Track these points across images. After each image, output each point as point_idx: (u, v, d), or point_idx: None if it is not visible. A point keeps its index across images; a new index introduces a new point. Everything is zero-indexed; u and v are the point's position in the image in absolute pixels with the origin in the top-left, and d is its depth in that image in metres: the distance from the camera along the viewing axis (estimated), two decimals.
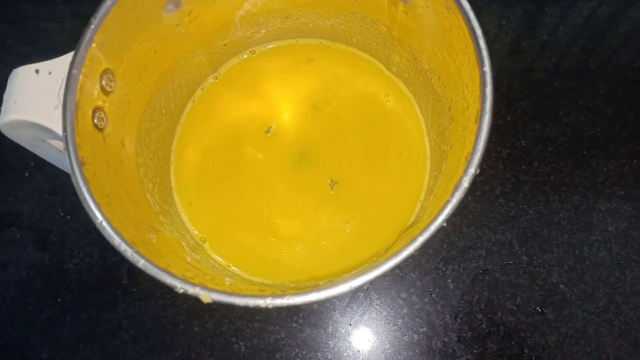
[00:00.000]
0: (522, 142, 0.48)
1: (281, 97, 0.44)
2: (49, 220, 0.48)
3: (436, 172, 0.37)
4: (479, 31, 0.27)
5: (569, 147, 0.48)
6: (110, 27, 0.30)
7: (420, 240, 0.25)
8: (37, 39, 0.55)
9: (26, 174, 0.50)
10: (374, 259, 0.36)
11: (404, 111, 0.42)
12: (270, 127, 0.43)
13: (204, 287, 0.25)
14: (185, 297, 0.45)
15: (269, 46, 0.44)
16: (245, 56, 0.44)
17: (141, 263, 0.26)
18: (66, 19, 0.56)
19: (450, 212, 0.25)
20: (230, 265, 0.39)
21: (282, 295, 0.24)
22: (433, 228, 0.25)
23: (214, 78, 0.44)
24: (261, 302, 0.24)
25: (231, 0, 0.38)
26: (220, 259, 0.39)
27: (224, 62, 0.44)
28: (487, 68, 0.27)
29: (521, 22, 0.52)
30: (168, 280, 0.25)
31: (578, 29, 0.52)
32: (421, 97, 0.40)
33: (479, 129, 0.26)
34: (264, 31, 0.43)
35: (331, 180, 0.41)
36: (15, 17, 0.56)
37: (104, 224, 0.26)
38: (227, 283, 0.30)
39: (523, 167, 0.47)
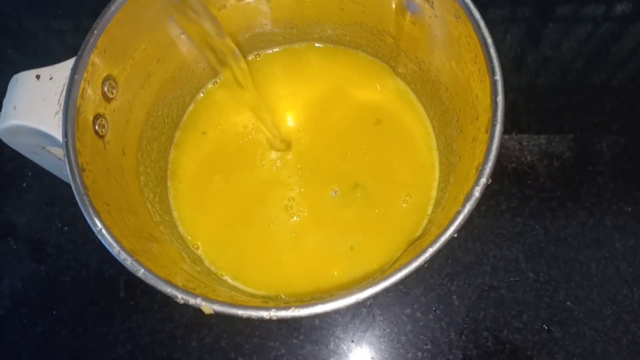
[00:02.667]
0: (528, 157, 0.48)
1: (285, 103, 0.43)
2: (46, 232, 0.48)
3: (443, 185, 0.36)
4: (489, 40, 0.27)
5: (575, 163, 0.47)
6: (114, 32, 0.30)
7: (430, 251, 0.24)
8: (38, 51, 0.55)
9: (24, 185, 0.49)
10: (379, 272, 0.35)
11: (413, 121, 0.41)
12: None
13: (205, 298, 0.24)
14: (184, 310, 0.44)
15: (275, 50, 0.44)
16: (249, 57, 0.44)
17: (141, 272, 0.25)
18: (67, 32, 0.55)
19: (462, 223, 0.25)
20: (223, 274, 0.38)
21: (286, 307, 0.24)
22: (443, 239, 0.24)
23: (213, 83, 0.43)
24: (265, 314, 0.24)
25: (236, 10, 0.38)
26: (217, 270, 0.38)
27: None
28: (499, 77, 0.26)
29: (525, 37, 0.52)
30: (168, 290, 0.24)
31: (582, 44, 0.52)
32: (429, 108, 0.40)
33: (490, 139, 0.25)
34: (268, 41, 0.42)
35: (335, 192, 0.40)
36: (17, 29, 0.56)
37: (104, 231, 0.26)
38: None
39: (529, 182, 0.47)
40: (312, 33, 0.42)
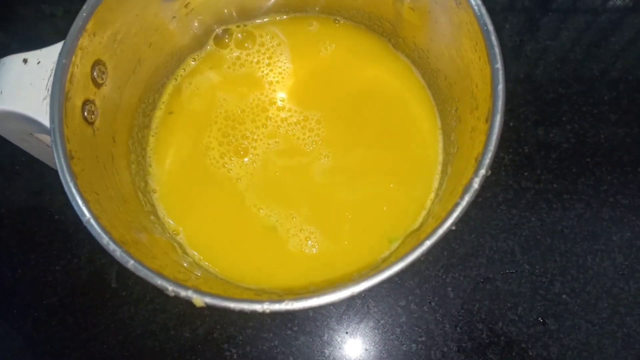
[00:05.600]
0: (525, 148, 0.47)
1: (279, 83, 0.41)
2: (35, 220, 0.47)
3: (441, 176, 0.36)
4: (490, 27, 0.26)
5: (572, 154, 0.47)
6: (103, 15, 0.29)
7: (428, 244, 0.24)
8: (27, 35, 0.54)
9: (13, 172, 0.48)
10: (375, 264, 0.35)
11: (419, 105, 0.39)
12: (268, 114, 0.40)
13: (197, 290, 0.23)
14: (176, 301, 0.43)
15: (265, 20, 0.41)
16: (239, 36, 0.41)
17: (130, 264, 0.24)
18: (58, 16, 0.54)
19: (460, 215, 0.24)
20: (207, 264, 0.36)
21: (280, 300, 0.23)
22: (441, 232, 0.24)
23: (192, 60, 0.40)
24: (258, 307, 0.23)
25: None
26: (207, 264, 0.37)
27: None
28: (500, 65, 0.26)
29: (524, 27, 0.52)
30: (159, 282, 0.24)
31: (582, 34, 0.51)
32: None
33: (490, 128, 0.25)
34: (260, 22, 0.41)
35: (330, 178, 0.38)
36: (5, 12, 0.55)
37: (92, 221, 0.25)
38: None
39: (526, 173, 0.46)
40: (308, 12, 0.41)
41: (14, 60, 0.30)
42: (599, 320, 0.43)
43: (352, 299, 0.43)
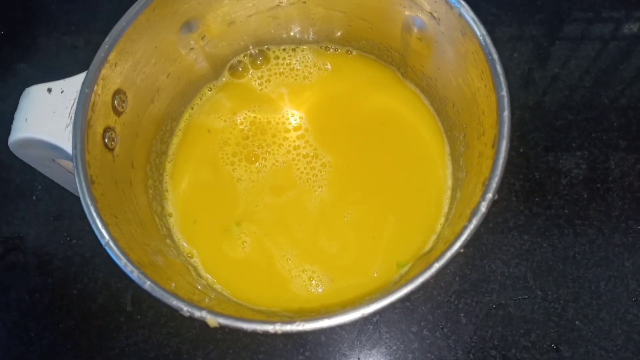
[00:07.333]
0: (535, 174, 0.47)
1: (293, 109, 0.42)
2: (54, 244, 0.48)
3: (450, 200, 0.36)
4: (495, 56, 0.27)
5: (582, 180, 0.47)
6: (125, 47, 0.30)
7: (437, 266, 0.24)
8: (49, 65, 0.56)
9: (33, 198, 0.50)
10: (386, 288, 0.35)
11: (428, 131, 0.40)
12: (282, 139, 0.41)
13: (211, 311, 0.24)
14: (190, 325, 0.44)
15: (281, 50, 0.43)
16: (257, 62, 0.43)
17: (147, 285, 0.25)
18: (79, 47, 0.56)
19: (468, 238, 0.24)
20: (220, 287, 0.36)
21: (291, 322, 0.24)
22: (450, 254, 0.24)
23: (208, 89, 0.42)
24: (270, 328, 0.24)
25: (244, 25, 0.38)
26: (220, 287, 0.37)
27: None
28: (505, 92, 0.26)
29: (532, 55, 0.52)
30: (174, 302, 0.24)
31: (590, 62, 0.52)
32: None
33: (496, 154, 0.25)
34: (275, 52, 0.42)
35: (340, 204, 0.39)
36: (29, 43, 0.57)
37: (111, 243, 0.26)
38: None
39: (536, 199, 0.47)
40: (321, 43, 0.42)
41: (39, 89, 0.31)
42: (614, 347, 0.42)
43: (363, 322, 0.43)
